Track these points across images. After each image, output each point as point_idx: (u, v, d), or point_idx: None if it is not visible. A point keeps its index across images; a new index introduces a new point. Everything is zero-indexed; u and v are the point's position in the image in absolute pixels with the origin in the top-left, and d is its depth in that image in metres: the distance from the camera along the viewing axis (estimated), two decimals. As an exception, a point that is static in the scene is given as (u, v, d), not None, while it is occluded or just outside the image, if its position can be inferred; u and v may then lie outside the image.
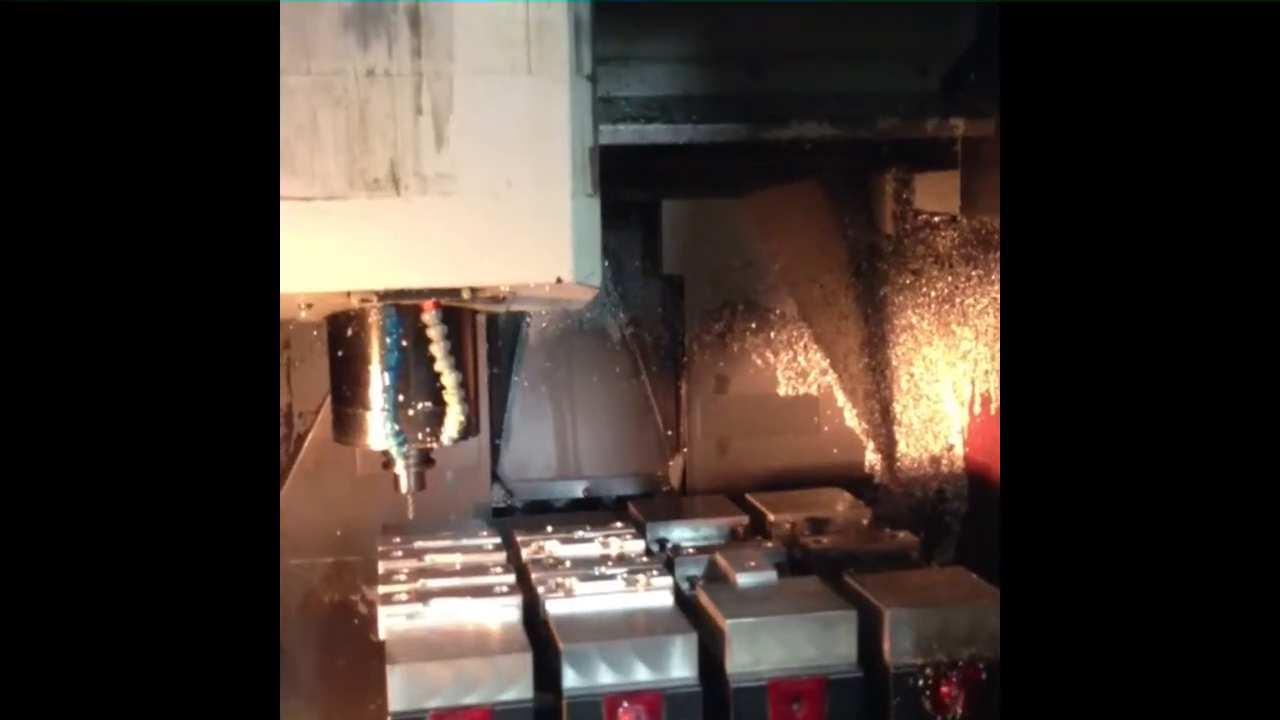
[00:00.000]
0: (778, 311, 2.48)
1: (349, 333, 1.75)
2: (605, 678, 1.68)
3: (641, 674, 1.69)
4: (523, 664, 1.66)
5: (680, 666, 1.70)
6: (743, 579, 1.88)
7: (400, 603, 1.78)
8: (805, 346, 2.50)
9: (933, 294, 2.51)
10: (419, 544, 2.02)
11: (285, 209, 1.47)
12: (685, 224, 2.43)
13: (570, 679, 1.68)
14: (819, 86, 2.15)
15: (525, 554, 2.00)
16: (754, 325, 2.48)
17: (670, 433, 2.52)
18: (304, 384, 2.30)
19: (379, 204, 1.52)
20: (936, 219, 2.46)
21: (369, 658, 1.83)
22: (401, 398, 1.73)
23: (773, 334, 2.49)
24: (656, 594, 1.83)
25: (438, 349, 1.69)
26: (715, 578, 1.96)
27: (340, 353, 1.78)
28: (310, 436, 2.30)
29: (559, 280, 1.58)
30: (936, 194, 2.43)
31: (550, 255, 1.57)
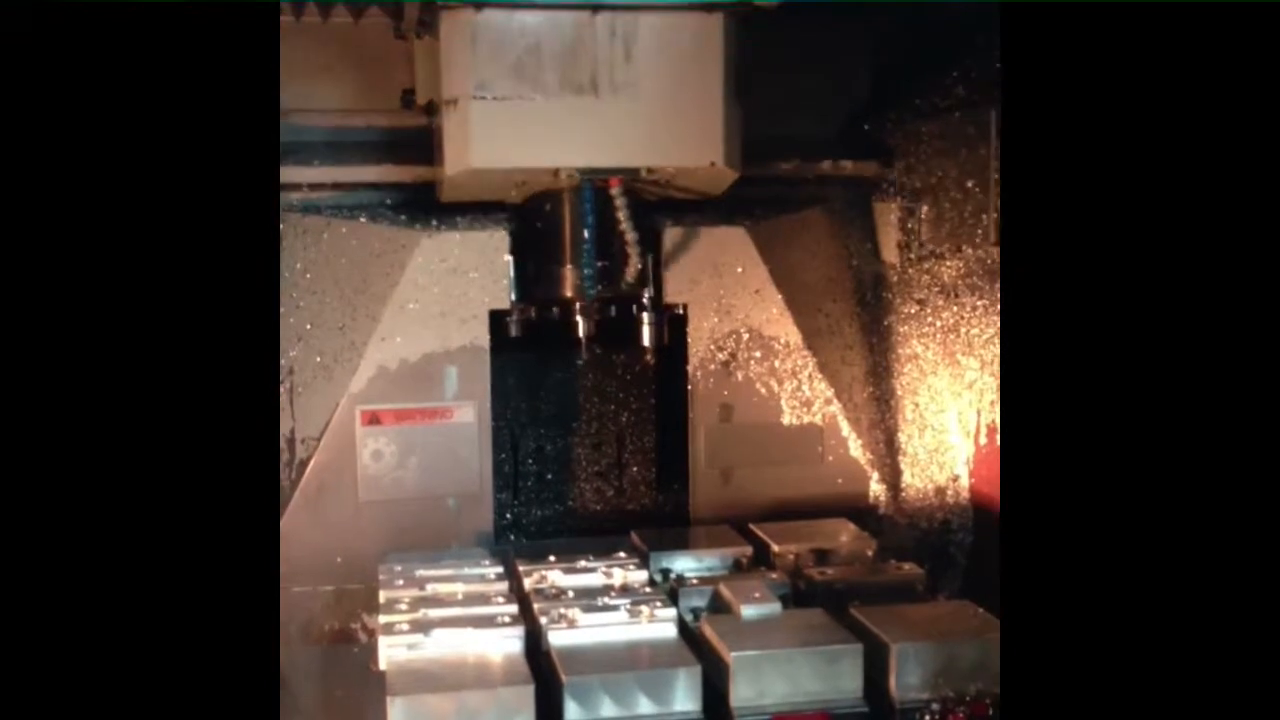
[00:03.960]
0: (782, 340, 2.47)
1: (547, 207, 2.27)
2: (608, 710, 1.66)
3: (644, 706, 1.67)
4: (525, 696, 1.64)
5: (684, 699, 1.68)
6: (747, 611, 1.86)
7: (401, 633, 1.77)
8: (810, 376, 2.49)
9: (938, 324, 2.50)
10: (420, 572, 2.00)
11: (519, 106, 2.07)
12: (688, 252, 2.43)
13: (572, 711, 1.66)
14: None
15: (527, 584, 1.99)
16: (758, 354, 2.47)
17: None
18: (307, 411, 2.30)
19: (583, 102, 2.07)
20: (943, 249, 2.46)
21: (369, 687, 1.81)
22: (588, 256, 2.20)
23: (777, 363, 2.48)
24: (660, 625, 1.82)
25: (622, 214, 2.15)
26: (719, 609, 1.95)
27: (539, 224, 2.29)
28: (312, 462, 2.29)
29: (712, 164, 2.13)
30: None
31: (707, 145, 2.13)
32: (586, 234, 2.19)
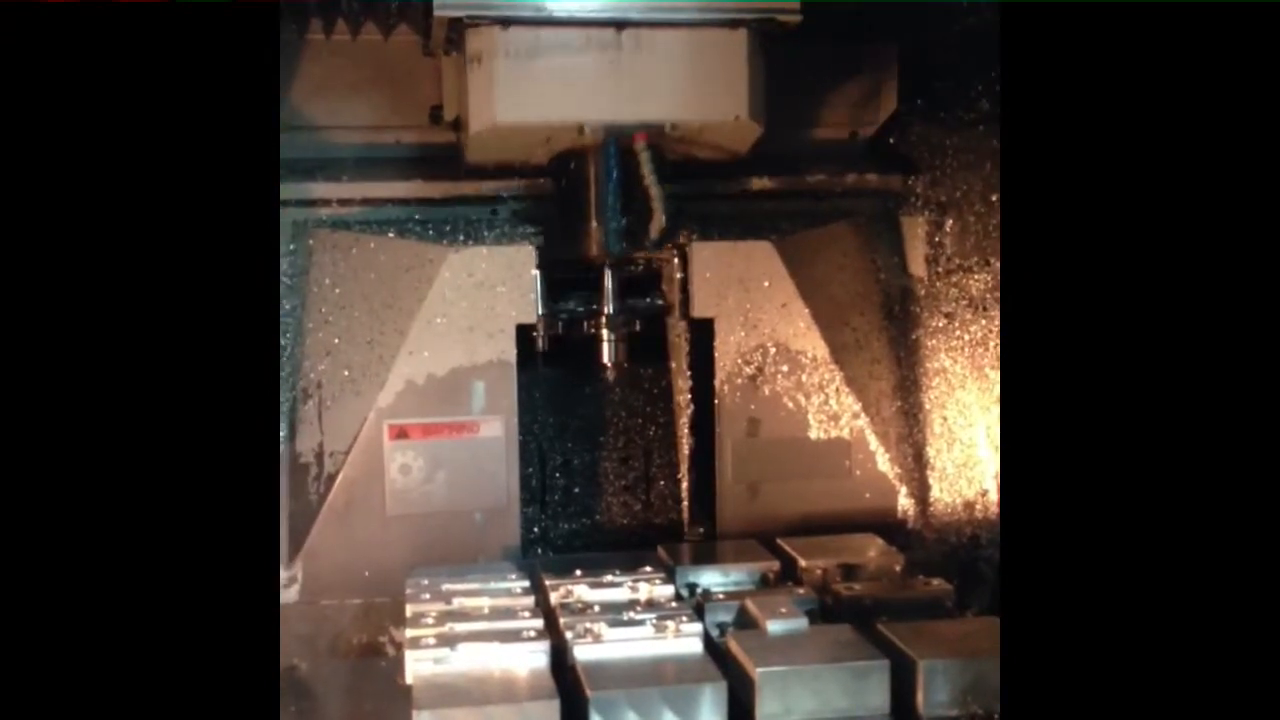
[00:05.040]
0: (809, 354, 2.47)
1: (572, 165, 2.29)
2: (633, 725, 1.66)
3: (670, 722, 1.67)
4: (550, 711, 1.64)
5: (709, 715, 1.67)
6: (773, 626, 1.85)
7: (427, 647, 1.77)
8: (837, 390, 2.48)
9: (966, 337, 2.49)
10: (447, 586, 2.00)
11: (547, 59, 2.08)
12: (716, 266, 2.43)
13: (598, 726, 1.66)
14: (766, 148, 2.34)
15: (553, 598, 1.99)
16: (785, 368, 2.46)
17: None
18: (335, 425, 2.31)
19: (608, 57, 2.09)
20: (970, 262, 2.45)
21: (396, 701, 1.81)
22: (613, 212, 2.22)
23: (804, 377, 2.47)
24: (686, 640, 1.81)
25: (646, 169, 2.15)
26: (745, 624, 1.94)
27: (564, 182, 2.32)
28: (340, 476, 2.30)
29: (737, 118, 2.15)
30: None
31: (732, 100, 2.15)
32: (611, 189, 2.21)
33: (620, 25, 2.08)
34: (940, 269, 2.52)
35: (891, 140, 2.65)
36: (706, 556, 2.23)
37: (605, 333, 2.38)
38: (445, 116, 2.39)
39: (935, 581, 2.11)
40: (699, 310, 2.44)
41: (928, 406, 2.56)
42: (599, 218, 2.25)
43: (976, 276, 2.44)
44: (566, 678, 1.75)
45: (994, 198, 2.32)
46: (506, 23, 2.07)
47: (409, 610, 1.93)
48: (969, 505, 2.50)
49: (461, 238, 2.34)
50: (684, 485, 2.53)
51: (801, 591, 2.06)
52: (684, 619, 1.85)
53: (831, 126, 2.65)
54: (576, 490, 2.54)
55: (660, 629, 1.82)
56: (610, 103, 2.11)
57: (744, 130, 2.21)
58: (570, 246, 2.31)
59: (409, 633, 1.83)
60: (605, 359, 2.39)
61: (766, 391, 2.46)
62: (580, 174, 2.27)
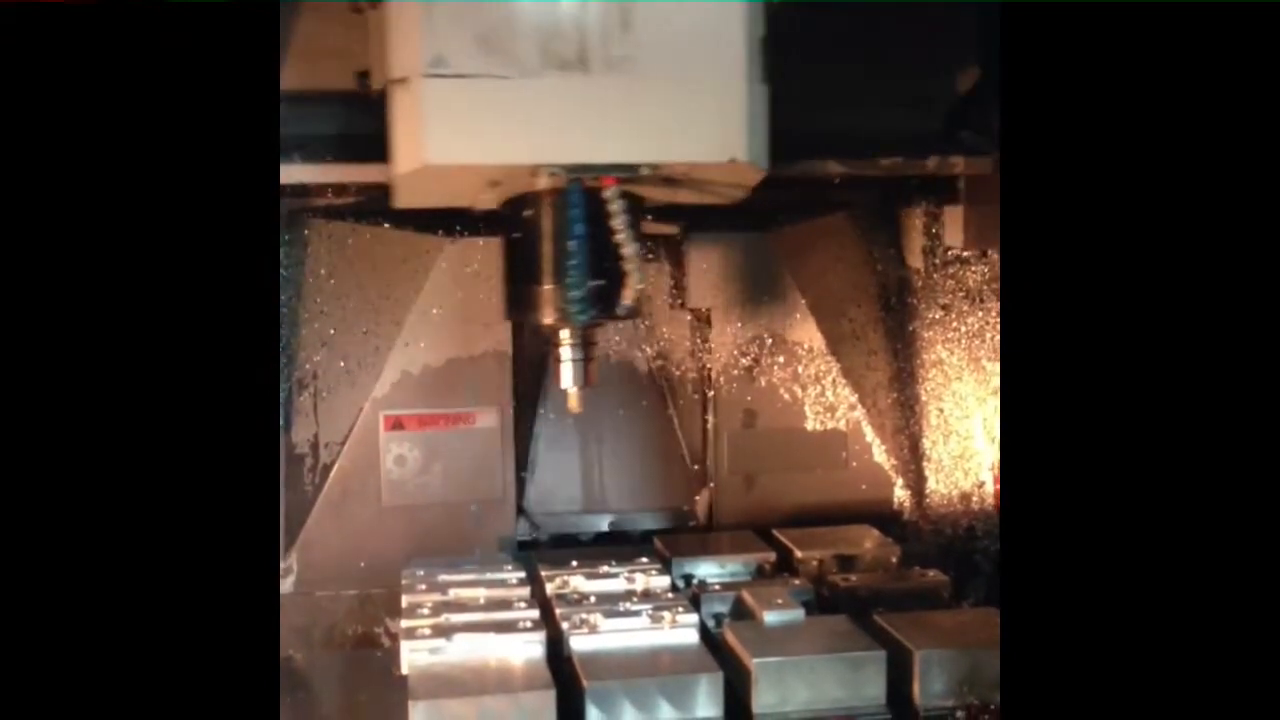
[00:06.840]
0: (806, 346, 2.47)
1: (527, 213, 1.86)
2: (629, 716, 1.66)
3: (666, 713, 1.66)
4: (546, 701, 1.64)
5: (705, 706, 1.68)
6: (770, 617, 1.85)
7: (423, 637, 1.77)
8: (833, 381, 2.48)
9: (963, 329, 2.49)
10: (443, 577, 2.00)
11: (488, 87, 1.64)
12: (713, 258, 2.43)
13: (594, 717, 1.65)
14: (829, 125, 2.16)
15: (550, 589, 1.99)
16: (782, 360, 2.46)
17: (696, 466, 2.50)
18: (331, 416, 2.31)
19: (570, 82, 1.66)
20: (967, 254, 2.45)
21: (392, 692, 1.81)
22: (576, 275, 1.80)
23: (801, 368, 2.47)
24: (682, 631, 1.81)
25: (618, 222, 1.74)
26: (742, 615, 1.94)
27: (517, 234, 1.89)
28: (336, 467, 2.30)
29: (733, 160, 1.71)
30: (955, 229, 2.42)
31: (726, 136, 1.71)
32: (574, 247, 1.78)
33: None
34: (937, 260, 2.52)
35: (973, 118, 2.34)
36: (702, 548, 2.23)
37: (566, 350, 1.95)
38: (371, 85, 1.90)
39: (931, 572, 2.11)
40: (695, 301, 2.44)
41: (924, 398, 2.56)
42: (557, 279, 1.83)
43: (974, 268, 2.43)
44: (562, 668, 1.75)
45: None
46: None
47: (404, 601, 1.93)
48: (965, 497, 2.50)
49: (458, 228, 2.33)
50: (680, 476, 2.53)
51: (798, 582, 2.06)
52: (680, 610, 1.85)
53: (901, 104, 2.31)
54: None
55: (656, 620, 1.82)
56: (573, 140, 1.68)
57: (741, 175, 1.79)
58: (523, 310, 1.92)
59: (404, 623, 1.83)
60: (567, 382, 1.96)
61: (763, 383, 2.46)
62: (535, 225, 1.85)
